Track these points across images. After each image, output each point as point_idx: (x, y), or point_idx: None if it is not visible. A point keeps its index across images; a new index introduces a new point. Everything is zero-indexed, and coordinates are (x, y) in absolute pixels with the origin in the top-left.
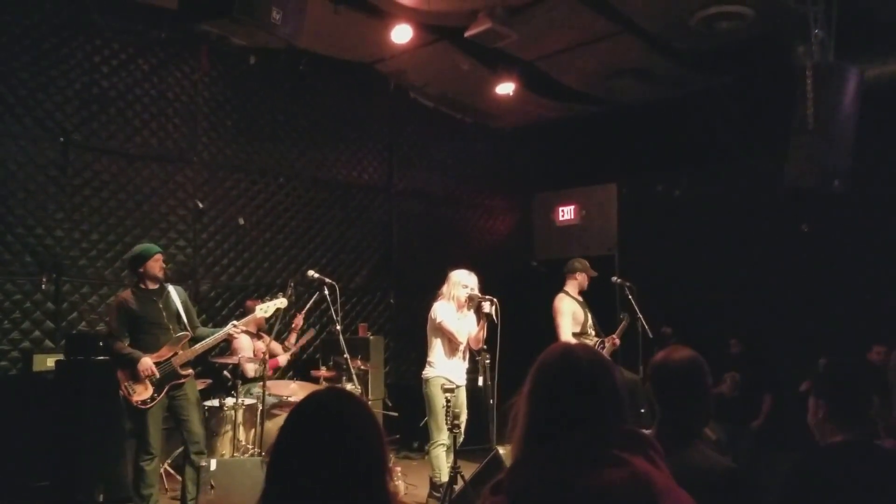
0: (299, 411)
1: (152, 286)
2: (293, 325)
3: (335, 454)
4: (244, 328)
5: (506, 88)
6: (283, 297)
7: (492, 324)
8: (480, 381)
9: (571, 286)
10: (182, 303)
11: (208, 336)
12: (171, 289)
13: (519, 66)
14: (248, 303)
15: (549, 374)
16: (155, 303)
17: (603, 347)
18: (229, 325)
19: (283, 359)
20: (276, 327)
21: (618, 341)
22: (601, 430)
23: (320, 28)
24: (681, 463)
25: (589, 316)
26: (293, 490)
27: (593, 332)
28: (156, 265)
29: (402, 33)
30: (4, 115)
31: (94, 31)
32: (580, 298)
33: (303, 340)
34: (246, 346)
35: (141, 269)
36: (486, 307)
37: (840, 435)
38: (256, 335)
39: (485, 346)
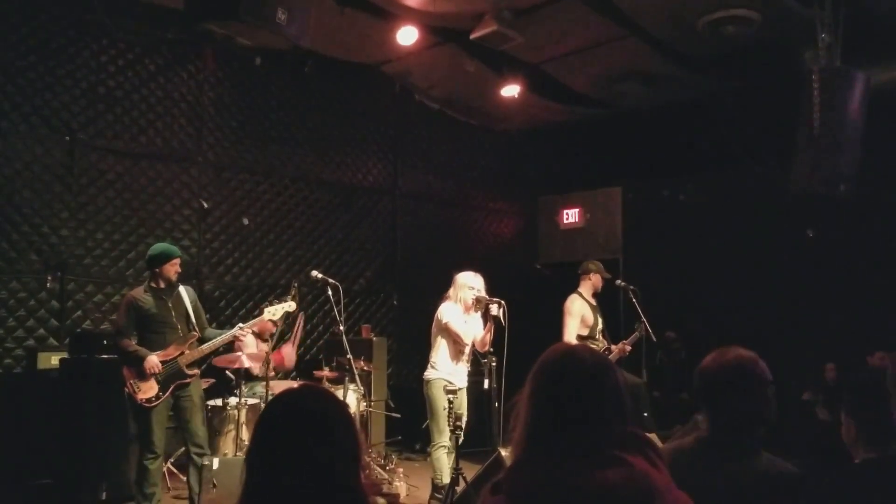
0: (271, 408)
1: (164, 285)
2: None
3: (306, 449)
4: (250, 330)
5: (511, 91)
6: (291, 300)
7: (499, 326)
8: (486, 384)
9: (585, 288)
10: (192, 303)
11: (215, 337)
12: (181, 289)
13: (524, 69)
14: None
15: (550, 373)
16: (165, 301)
17: (609, 353)
18: (236, 327)
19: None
20: (279, 329)
21: (628, 348)
22: (601, 430)
23: (326, 29)
24: (745, 470)
25: (599, 320)
26: (269, 485)
27: (601, 337)
28: (171, 269)
29: (407, 35)
30: (11, 113)
31: (100, 31)
32: (593, 302)
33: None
34: (250, 345)
35: (157, 270)
36: (494, 309)
37: (871, 452)
38: (263, 339)
39: (491, 349)
